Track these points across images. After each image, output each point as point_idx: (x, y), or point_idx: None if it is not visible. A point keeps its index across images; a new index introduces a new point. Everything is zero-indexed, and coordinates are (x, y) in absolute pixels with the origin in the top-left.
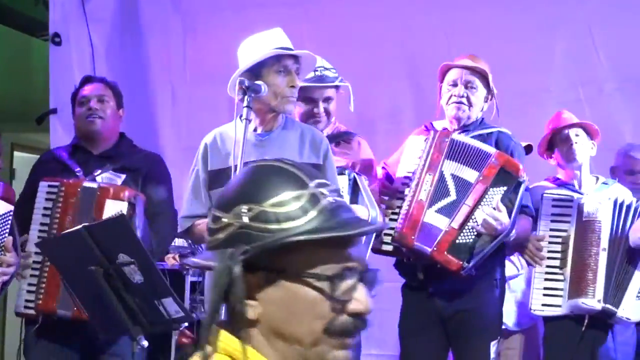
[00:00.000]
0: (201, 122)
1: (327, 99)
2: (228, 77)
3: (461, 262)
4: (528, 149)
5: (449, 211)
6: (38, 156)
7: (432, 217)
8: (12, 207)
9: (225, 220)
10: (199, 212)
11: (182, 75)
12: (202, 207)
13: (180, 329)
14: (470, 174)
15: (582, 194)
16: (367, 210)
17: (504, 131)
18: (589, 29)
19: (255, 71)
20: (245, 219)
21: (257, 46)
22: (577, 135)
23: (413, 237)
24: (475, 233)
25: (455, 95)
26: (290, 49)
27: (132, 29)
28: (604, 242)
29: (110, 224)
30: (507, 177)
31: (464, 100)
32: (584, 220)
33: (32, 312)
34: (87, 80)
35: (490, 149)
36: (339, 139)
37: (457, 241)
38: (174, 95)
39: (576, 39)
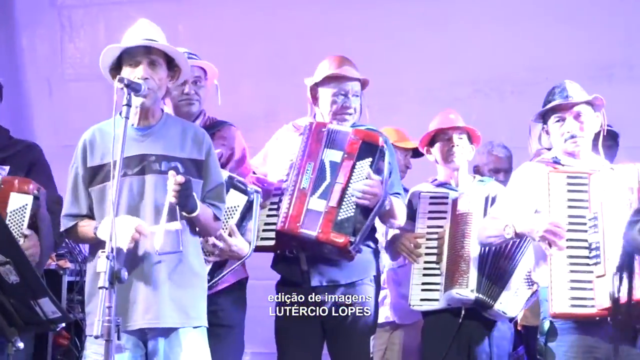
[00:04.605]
0: (79, 119)
1: (197, 80)
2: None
3: (348, 237)
4: (417, 151)
5: (326, 194)
6: None
7: (315, 204)
8: None
9: None
10: (79, 211)
11: (59, 71)
12: (82, 207)
13: (57, 329)
14: (338, 155)
15: (457, 192)
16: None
17: (372, 128)
18: (469, 28)
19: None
20: None
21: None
22: (460, 138)
23: (298, 224)
24: (354, 206)
25: (345, 106)
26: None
27: (7, 23)
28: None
29: None
30: (369, 149)
31: (352, 110)
32: (457, 214)
33: None
34: None
35: (347, 129)
36: (214, 129)
37: (339, 218)
38: (50, 91)
39: (454, 39)
